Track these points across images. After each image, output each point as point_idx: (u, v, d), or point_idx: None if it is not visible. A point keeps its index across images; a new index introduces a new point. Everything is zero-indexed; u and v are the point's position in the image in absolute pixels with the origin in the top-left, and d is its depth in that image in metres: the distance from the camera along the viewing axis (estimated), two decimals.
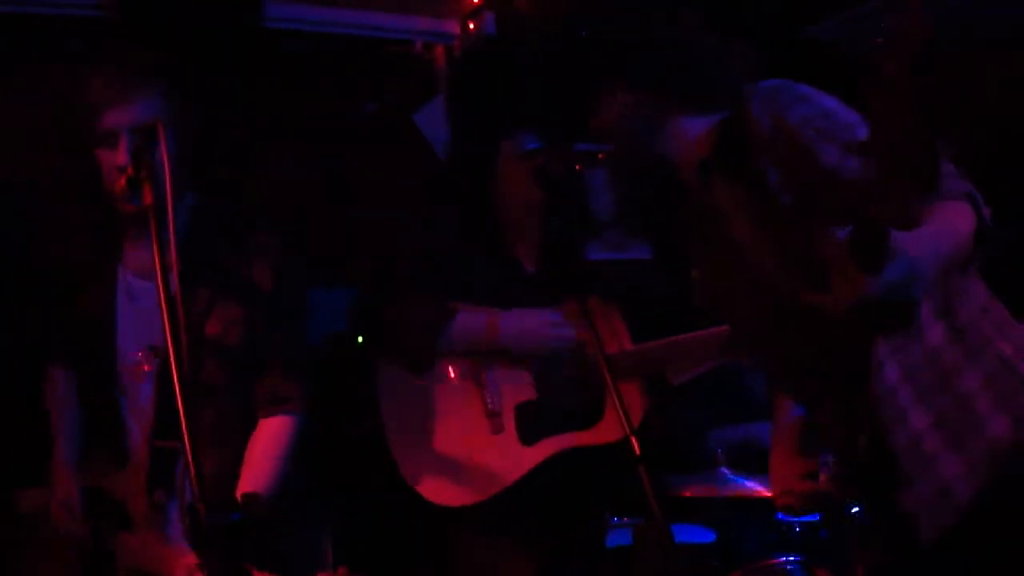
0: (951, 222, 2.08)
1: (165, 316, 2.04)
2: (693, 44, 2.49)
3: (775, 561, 3.68)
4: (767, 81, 2.42)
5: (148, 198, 2.31)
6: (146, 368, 2.70)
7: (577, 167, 3.17)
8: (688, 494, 3.88)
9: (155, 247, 2.15)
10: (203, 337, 2.66)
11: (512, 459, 3.25)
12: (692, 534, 4.12)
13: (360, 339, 3.38)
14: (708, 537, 4.13)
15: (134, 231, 2.75)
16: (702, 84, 2.48)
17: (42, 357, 2.83)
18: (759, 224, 2.40)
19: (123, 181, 2.46)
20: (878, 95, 1.75)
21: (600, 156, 3.37)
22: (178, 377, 1.98)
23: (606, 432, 3.24)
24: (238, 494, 2.59)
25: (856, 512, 2.84)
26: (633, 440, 2.30)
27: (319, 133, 4.77)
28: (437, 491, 3.21)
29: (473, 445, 3.26)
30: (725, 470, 3.92)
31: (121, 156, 2.52)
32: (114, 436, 2.71)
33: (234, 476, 2.65)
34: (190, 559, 2.46)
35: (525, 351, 3.31)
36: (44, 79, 4.02)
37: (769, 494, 3.75)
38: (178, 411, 1.97)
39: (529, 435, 3.29)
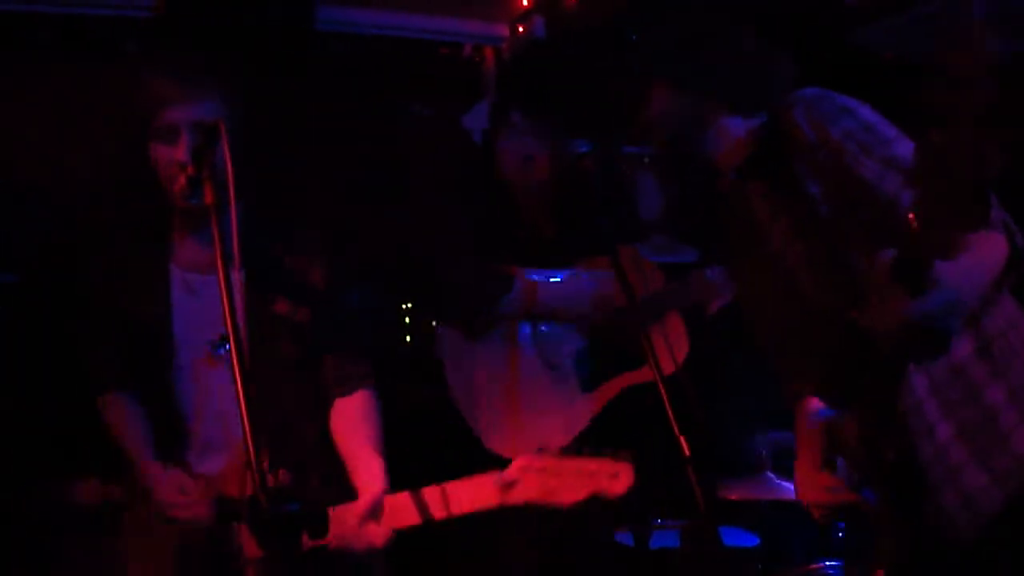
0: (989, 253, 2.11)
1: (227, 315, 2.07)
2: (738, 45, 2.51)
3: (818, 565, 3.69)
4: (808, 89, 2.43)
5: (209, 197, 2.32)
6: (205, 358, 2.72)
7: (625, 170, 3.20)
8: (733, 497, 3.89)
9: (217, 247, 2.17)
10: (274, 315, 2.70)
11: (580, 405, 3.32)
12: (736, 537, 4.13)
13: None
14: (751, 541, 4.14)
15: (184, 226, 2.77)
16: (746, 85, 2.50)
17: (95, 382, 2.82)
18: (795, 232, 2.41)
19: (183, 180, 2.47)
20: (940, 125, 1.74)
21: (646, 159, 3.41)
22: (239, 372, 2.01)
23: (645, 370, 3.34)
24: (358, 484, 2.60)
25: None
26: (682, 440, 2.31)
27: (368, 135, 4.82)
28: (511, 447, 3.26)
29: (540, 397, 3.32)
30: (770, 474, 3.93)
31: (181, 153, 2.54)
32: (173, 433, 2.72)
33: (312, 456, 2.68)
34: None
35: (561, 311, 3.40)
36: (93, 79, 4.10)
37: None
38: (247, 401, 1.99)
39: (589, 381, 3.36)
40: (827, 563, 3.69)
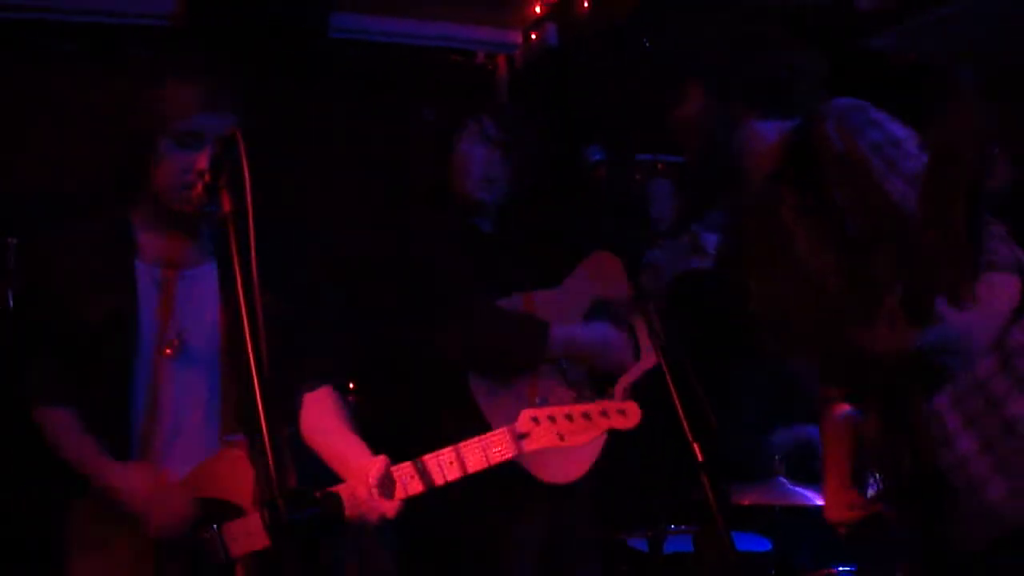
0: (1000, 299, 2.16)
1: (245, 320, 2.08)
2: (773, 49, 2.53)
3: (830, 570, 3.69)
4: (842, 99, 2.44)
5: (227, 206, 2.31)
6: (170, 352, 2.71)
7: (638, 176, 3.22)
8: (745, 502, 3.90)
9: (235, 255, 2.17)
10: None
11: None
12: (748, 542, 4.14)
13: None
14: (764, 546, 4.14)
15: (150, 222, 2.77)
16: (778, 88, 2.51)
17: (36, 392, 2.73)
18: (821, 241, 2.43)
19: (200, 188, 2.48)
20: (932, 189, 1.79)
21: (660, 166, 3.42)
22: (257, 379, 2.02)
23: (649, 358, 3.33)
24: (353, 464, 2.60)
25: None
26: (695, 446, 2.32)
27: (381, 142, 4.84)
28: (554, 471, 3.25)
29: None
30: (783, 479, 3.94)
31: (204, 161, 2.56)
32: (125, 436, 2.68)
33: (290, 452, 2.66)
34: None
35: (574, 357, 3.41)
36: (105, 86, 4.13)
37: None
38: (265, 405, 2.01)
39: (606, 384, 3.36)
40: (839, 568, 3.69)
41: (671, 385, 2.41)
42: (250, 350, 2.06)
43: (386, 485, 2.54)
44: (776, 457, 3.97)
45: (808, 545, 4.07)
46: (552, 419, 2.53)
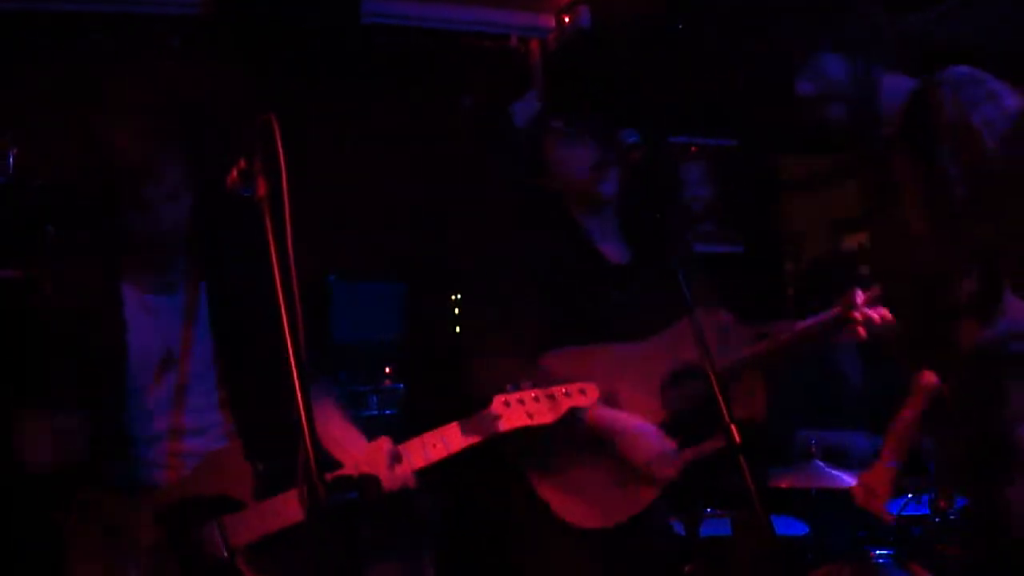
0: None
1: (283, 310, 2.07)
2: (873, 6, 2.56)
3: (868, 554, 3.67)
4: (960, 67, 2.43)
5: (262, 190, 2.31)
6: (162, 371, 2.75)
7: (673, 160, 3.19)
8: (783, 485, 3.88)
9: (270, 239, 2.17)
10: (243, 316, 2.76)
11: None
12: (785, 526, 4.12)
13: None
14: (801, 529, 4.13)
15: (138, 246, 2.75)
16: (892, 44, 2.54)
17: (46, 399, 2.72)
18: (927, 207, 2.44)
19: (235, 173, 2.47)
20: None
21: (693, 149, 3.39)
22: (296, 368, 2.01)
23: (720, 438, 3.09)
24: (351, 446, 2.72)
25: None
26: (733, 428, 2.29)
27: (413, 126, 4.85)
28: (592, 518, 3.16)
29: (611, 476, 3.16)
30: (819, 463, 3.92)
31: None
32: (116, 453, 2.72)
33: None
34: None
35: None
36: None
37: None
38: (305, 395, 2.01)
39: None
40: (877, 552, 3.67)
41: (710, 368, 2.39)
42: (288, 341, 2.04)
43: (398, 458, 2.67)
44: (812, 441, 3.95)
45: (845, 529, 4.05)
46: (521, 401, 2.74)
